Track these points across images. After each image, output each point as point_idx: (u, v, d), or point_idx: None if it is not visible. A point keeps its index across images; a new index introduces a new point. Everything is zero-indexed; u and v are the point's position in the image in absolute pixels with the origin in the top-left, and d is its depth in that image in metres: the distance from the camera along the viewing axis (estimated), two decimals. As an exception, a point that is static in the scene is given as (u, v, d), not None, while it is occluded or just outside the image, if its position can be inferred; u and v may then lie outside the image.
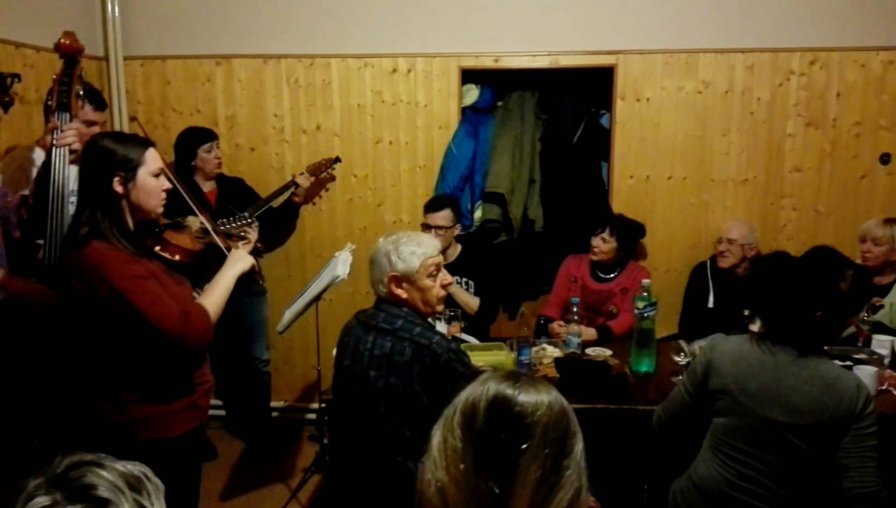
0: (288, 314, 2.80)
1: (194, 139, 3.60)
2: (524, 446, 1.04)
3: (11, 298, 2.16)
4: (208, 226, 2.11)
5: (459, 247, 3.52)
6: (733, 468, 1.98)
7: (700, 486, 2.05)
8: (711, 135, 3.73)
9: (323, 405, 3.44)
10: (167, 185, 1.98)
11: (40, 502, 0.81)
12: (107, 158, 1.86)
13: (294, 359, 4.05)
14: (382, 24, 3.77)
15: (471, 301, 3.41)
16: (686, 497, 2.09)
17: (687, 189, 3.80)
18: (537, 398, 1.08)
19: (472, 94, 3.86)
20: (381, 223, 3.96)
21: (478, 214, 3.81)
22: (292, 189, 3.75)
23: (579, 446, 1.09)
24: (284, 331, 3.03)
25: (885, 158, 3.64)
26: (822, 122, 3.65)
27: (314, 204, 3.99)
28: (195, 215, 2.17)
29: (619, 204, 3.81)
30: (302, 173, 3.75)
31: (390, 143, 3.90)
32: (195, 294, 2.09)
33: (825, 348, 2.45)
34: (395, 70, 3.82)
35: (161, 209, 1.98)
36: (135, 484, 0.88)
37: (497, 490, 1.04)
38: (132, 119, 2.13)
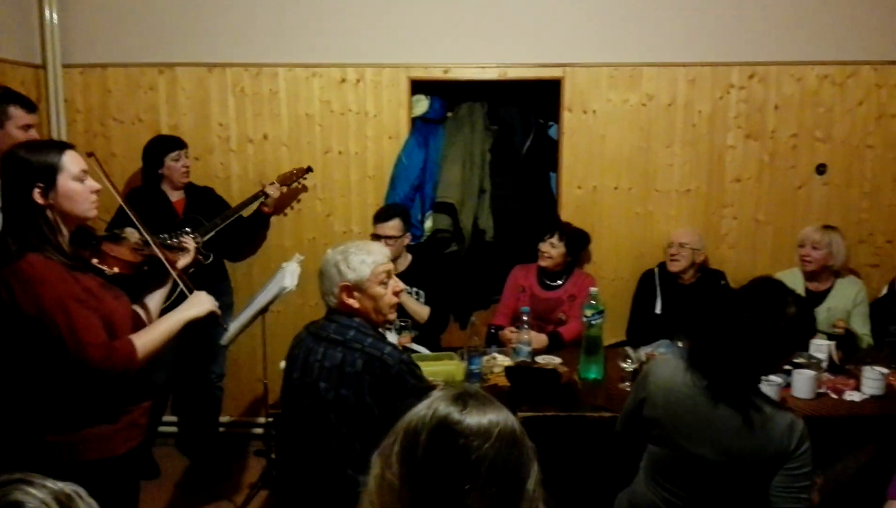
0: (233, 327, 2.74)
1: (161, 147, 3.53)
2: (468, 486, 0.95)
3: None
4: (147, 237, 2.05)
5: (410, 257, 3.51)
6: (667, 498, 1.95)
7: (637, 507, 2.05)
8: (655, 146, 3.81)
9: (270, 419, 3.37)
10: (95, 186, 1.88)
11: None
12: (23, 170, 1.77)
13: (240, 373, 3.96)
14: (331, 33, 3.74)
15: (421, 311, 3.40)
16: None
17: (632, 199, 3.87)
18: (486, 423, 0.99)
19: (422, 104, 3.86)
20: (330, 234, 3.92)
21: (428, 224, 3.81)
22: (261, 199, 3.69)
23: (534, 477, 1.01)
24: (230, 344, 2.96)
25: (820, 169, 3.78)
26: (761, 134, 3.77)
27: (285, 215, 3.94)
28: (136, 227, 2.10)
29: (567, 214, 3.86)
30: (272, 183, 3.69)
31: (339, 153, 3.86)
32: (137, 309, 2.02)
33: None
34: (343, 80, 3.80)
35: (94, 212, 1.88)
36: (65, 503, 0.84)
37: None
38: (89, 155, 2.07)
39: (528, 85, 3.86)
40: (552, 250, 3.49)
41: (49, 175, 1.78)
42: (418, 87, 3.86)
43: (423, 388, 1.07)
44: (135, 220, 2.05)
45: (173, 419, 3.95)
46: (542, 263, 3.53)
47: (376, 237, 3.29)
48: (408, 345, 3.16)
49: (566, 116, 3.81)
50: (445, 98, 3.94)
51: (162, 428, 3.84)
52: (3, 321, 1.79)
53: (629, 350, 3.02)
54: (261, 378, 3.36)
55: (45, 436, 1.82)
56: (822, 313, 3.24)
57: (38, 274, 1.73)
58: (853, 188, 3.77)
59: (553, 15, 3.71)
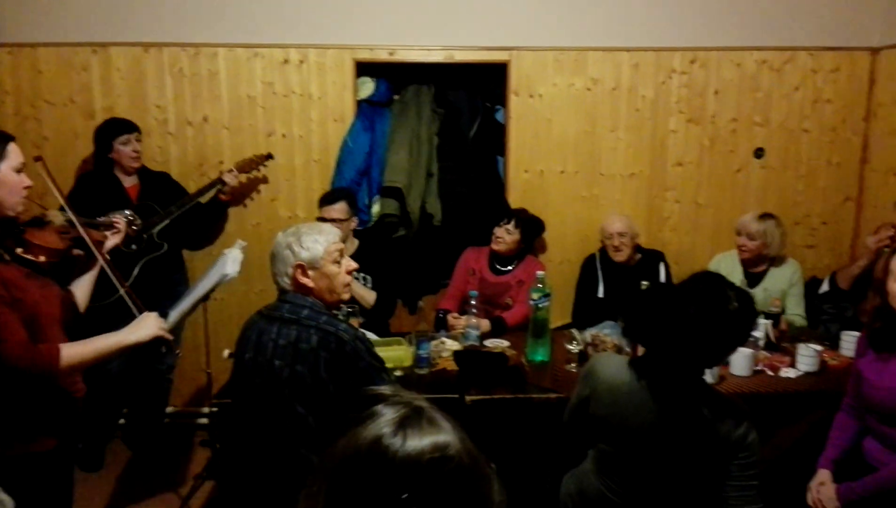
0: (173, 315, 2.64)
1: (111, 131, 3.41)
2: None
3: None
4: (73, 218, 1.97)
5: (357, 242, 3.48)
6: (614, 489, 1.97)
7: (586, 496, 2.06)
8: (600, 131, 3.85)
9: (214, 409, 3.30)
10: (28, 182, 1.86)
11: None
12: None
13: (182, 363, 3.85)
14: (273, 13, 3.64)
15: (368, 296, 3.37)
16: (575, 502, 2.10)
17: (578, 183, 3.91)
18: (427, 447, 0.85)
19: (368, 87, 3.80)
20: (275, 219, 3.84)
21: (375, 208, 3.77)
22: (219, 187, 3.58)
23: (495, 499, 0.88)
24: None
25: (758, 153, 3.88)
26: (702, 118, 3.84)
27: (245, 206, 3.84)
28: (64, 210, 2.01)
29: (515, 198, 3.87)
30: (230, 171, 3.60)
31: (283, 136, 3.78)
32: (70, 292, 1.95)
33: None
34: (286, 61, 3.71)
35: (21, 208, 1.86)
36: None
37: None
38: (37, 159, 2.00)
39: (475, 68, 3.84)
40: (507, 236, 3.51)
41: None
42: (364, 69, 3.80)
43: (372, 397, 0.90)
44: (60, 199, 1.98)
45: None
46: (496, 247, 3.54)
47: (322, 221, 3.23)
48: (355, 331, 3.13)
49: (513, 99, 3.80)
50: (392, 81, 3.89)
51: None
52: None
53: (575, 332, 3.07)
54: (204, 368, 3.28)
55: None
56: (759, 293, 3.33)
57: None
58: (789, 171, 3.89)
59: (499, -2, 3.70)
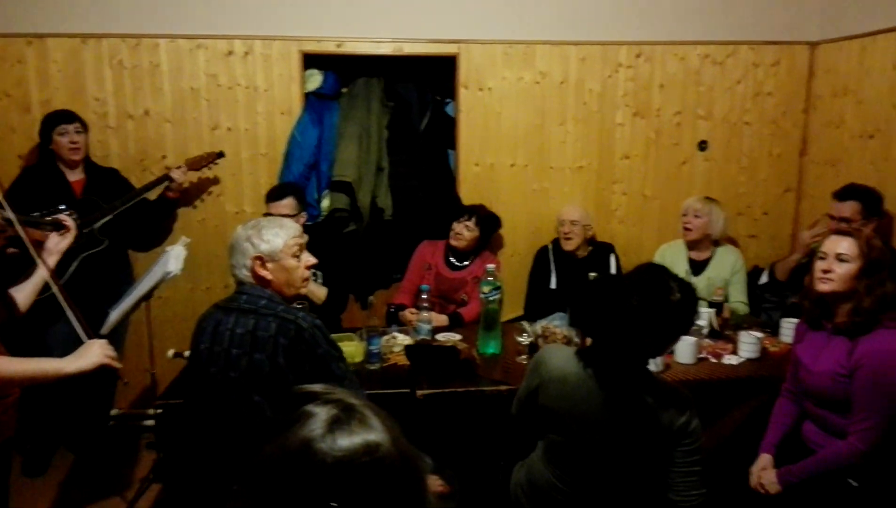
0: (114, 315, 2.58)
1: (48, 122, 3.31)
2: None
3: None
4: (11, 216, 1.89)
5: (306, 237, 3.40)
6: (563, 478, 2.00)
7: (536, 486, 2.08)
8: (549, 124, 3.87)
9: (159, 410, 3.22)
10: None
11: None
12: None
13: (126, 364, 3.71)
14: (216, 3, 3.56)
15: (319, 292, 3.34)
16: (525, 491, 2.13)
17: (529, 176, 3.93)
18: (360, 447, 0.84)
19: (315, 79, 3.75)
20: (221, 215, 3.76)
21: (325, 203, 3.72)
22: (166, 183, 3.48)
23: (419, 503, 0.87)
24: (108, 332, 2.79)
25: (702, 145, 3.96)
26: (647, 111, 3.90)
27: (195, 208, 3.75)
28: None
29: (466, 191, 3.87)
30: (179, 167, 3.50)
31: (228, 129, 3.70)
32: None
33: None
34: (231, 52, 3.63)
35: None
36: None
37: None
38: None
39: (425, 61, 3.82)
40: (467, 232, 3.52)
41: None
42: (311, 61, 3.74)
43: (305, 395, 0.86)
44: None
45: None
46: (455, 242, 3.54)
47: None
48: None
49: (462, 93, 3.80)
50: (340, 73, 3.84)
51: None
52: None
53: (525, 324, 3.09)
54: (148, 369, 3.20)
55: None
56: (703, 281, 3.41)
57: None
58: (732, 164, 3.98)
59: (447, -10, 3.68)
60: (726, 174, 3.99)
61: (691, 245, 3.57)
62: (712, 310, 3.13)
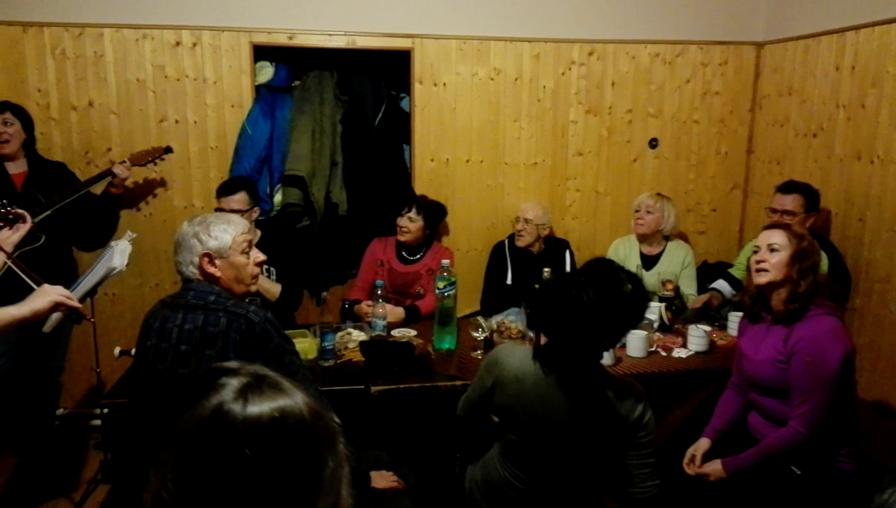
0: (55, 314, 2.49)
1: None
2: (255, 486, 0.85)
3: None
4: None
5: (259, 232, 3.37)
6: (519, 475, 2.03)
7: (492, 484, 2.10)
8: (504, 120, 3.89)
9: (105, 410, 3.14)
10: None
11: None
12: None
13: (71, 362, 3.63)
14: (163, -8, 3.47)
15: (272, 288, 3.29)
16: (480, 489, 2.14)
17: (484, 172, 3.94)
18: (269, 412, 0.88)
19: (267, 71, 3.68)
20: (169, 209, 3.67)
21: (278, 197, 3.67)
22: (109, 179, 3.36)
23: (332, 462, 0.91)
24: (52, 331, 2.69)
25: (653, 143, 4.03)
26: (600, 109, 3.95)
27: (139, 210, 3.64)
28: None
29: (421, 186, 3.86)
30: (123, 162, 3.38)
31: (176, 121, 3.61)
32: None
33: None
34: (178, 43, 3.54)
35: None
36: None
37: None
38: None
39: (379, 55, 3.79)
40: (410, 224, 3.49)
41: None
42: (262, 53, 3.67)
43: (216, 371, 0.96)
44: None
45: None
46: (402, 238, 3.52)
47: (221, 212, 3.11)
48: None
49: (417, 88, 3.79)
50: (292, 66, 3.78)
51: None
52: None
53: (480, 320, 3.09)
54: (94, 367, 3.10)
55: None
56: (654, 276, 3.47)
57: None
58: (681, 161, 4.07)
59: (402, -16, 3.66)
60: (676, 172, 4.07)
61: (643, 240, 3.63)
62: (662, 304, 3.19)
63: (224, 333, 1.95)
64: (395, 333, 3.10)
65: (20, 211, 2.15)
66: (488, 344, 2.89)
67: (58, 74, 3.49)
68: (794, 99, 3.71)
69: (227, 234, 2.04)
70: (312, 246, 3.72)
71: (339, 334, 3.00)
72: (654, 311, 3.14)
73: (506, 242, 3.82)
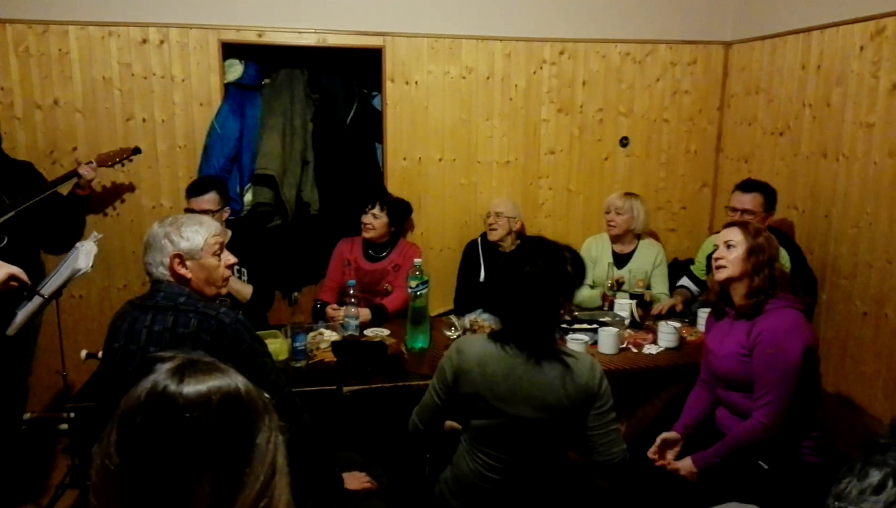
0: (21, 315, 2.43)
1: None
2: (194, 458, 0.90)
3: None
4: None
5: (229, 233, 3.33)
6: (489, 464, 2.05)
7: (463, 481, 2.11)
8: (476, 119, 3.89)
9: (72, 414, 3.08)
10: None
11: None
12: None
13: (36, 365, 3.55)
14: (129, -11, 3.42)
15: (243, 290, 3.25)
16: (451, 488, 2.15)
17: (457, 170, 3.94)
18: (205, 390, 0.94)
19: (236, 69, 3.64)
20: (137, 209, 3.62)
21: (248, 197, 3.63)
22: (75, 180, 3.29)
23: (263, 436, 0.96)
24: (15, 333, 2.63)
25: (624, 142, 4.06)
26: (571, 108, 3.97)
27: (106, 215, 3.57)
28: None
29: (393, 185, 3.85)
30: (89, 163, 3.30)
31: (144, 120, 3.56)
32: None
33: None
34: (145, 41, 3.49)
35: None
36: None
37: None
38: None
39: (350, 53, 3.77)
40: (375, 221, 3.48)
41: None
42: (231, 50, 3.63)
43: (151, 359, 1.00)
44: None
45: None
46: (367, 235, 3.50)
47: (191, 213, 3.07)
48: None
49: (389, 86, 3.77)
50: (262, 64, 3.74)
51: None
52: None
53: (454, 318, 3.10)
54: (60, 370, 3.04)
55: None
56: (625, 274, 3.50)
57: None
58: (652, 159, 4.11)
59: (373, -18, 3.65)
60: (647, 170, 4.11)
61: (615, 239, 3.66)
62: (633, 301, 3.22)
63: (194, 334, 1.92)
64: (368, 332, 3.09)
65: None
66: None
67: (21, 72, 3.41)
68: (761, 98, 3.76)
69: (199, 235, 2.02)
70: (284, 246, 3.70)
71: (311, 334, 2.98)
72: (626, 308, 3.17)
73: (479, 240, 3.82)
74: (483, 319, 3.07)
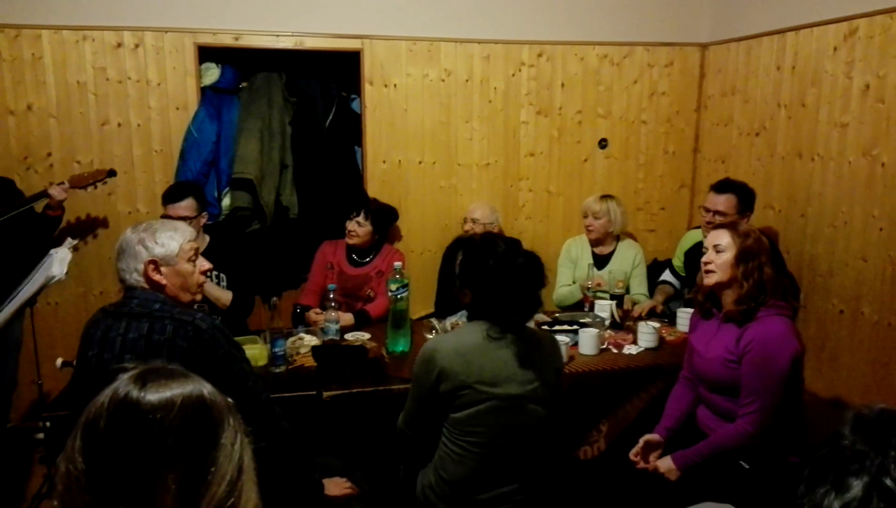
0: (-8, 323, 2.40)
1: None
2: (158, 462, 0.92)
3: None
4: None
5: (207, 238, 3.30)
6: (476, 453, 2.06)
7: (450, 480, 2.11)
8: (455, 121, 3.89)
9: (48, 423, 3.04)
10: None
11: None
12: None
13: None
14: (103, -8, 3.38)
15: (222, 296, 3.22)
16: (436, 491, 2.14)
17: (437, 173, 3.94)
18: (168, 395, 0.95)
19: (213, 73, 3.62)
20: (112, 215, 3.57)
21: (226, 201, 3.60)
22: (45, 200, 3.21)
23: (228, 436, 0.98)
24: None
25: (602, 143, 4.08)
26: (550, 110, 3.98)
27: (86, 243, 3.50)
28: None
29: (373, 188, 3.84)
30: (60, 183, 3.22)
31: (119, 125, 3.52)
32: None
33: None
34: (120, 44, 3.45)
35: None
36: None
37: None
38: None
39: (328, 56, 3.76)
40: (359, 228, 3.46)
41: None
42: (207, 54, 3.60)
43: (114, 370, 1.02)
44: None
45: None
46: (351, 241, 3.49)
47: (168, 219, 3.04)
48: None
49: (368, 89, 3.76)
50: (239, 67, 3.72)
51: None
52: None
53: (434, 321, 3.09)
54: (34, 379, 2.99)
55: None
56: (605, 275, 3.51)
57: None
58: (630, 160, 4.13)
59: (350, -15, 3.63)
60: (626, 171, 4.13)
61: (595, 242, 3.67)
62: (613, 302, 3.23)
63: (170, 341, 1.89)
64: (349, 336, 3.07)
65: None
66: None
67: (-7, 77, 3.37)
68: (737, 99, 3.80)
69: (174, 241, 2.00)
70: (263, 250, 3.67)
71: (291, 339, 2.95)
72: (606, 309, 3.18)
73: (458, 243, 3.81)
74: (463, 321, 3.06)
